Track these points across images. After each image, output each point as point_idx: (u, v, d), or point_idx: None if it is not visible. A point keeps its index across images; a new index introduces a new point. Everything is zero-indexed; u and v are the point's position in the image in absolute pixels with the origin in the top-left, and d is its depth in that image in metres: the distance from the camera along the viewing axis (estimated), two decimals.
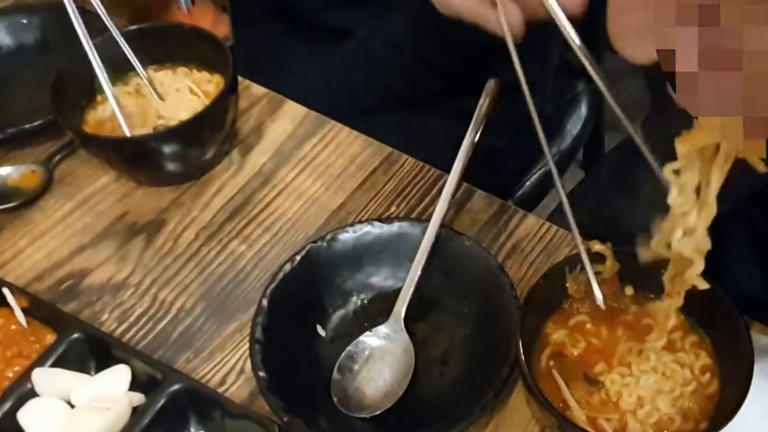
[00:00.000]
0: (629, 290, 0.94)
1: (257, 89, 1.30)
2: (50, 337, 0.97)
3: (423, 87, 1.42)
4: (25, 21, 1.36)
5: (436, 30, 1.20)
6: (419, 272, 1.03)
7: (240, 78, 1.20)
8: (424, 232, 1.05)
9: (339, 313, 1.06)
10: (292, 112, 1.28)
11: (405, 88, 1.43)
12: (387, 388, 0.98)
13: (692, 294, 0.90)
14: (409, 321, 1.02)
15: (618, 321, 0.94)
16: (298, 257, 1.04)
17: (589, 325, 0.94)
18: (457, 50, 1.17)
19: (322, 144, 1.24)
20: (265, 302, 1.00)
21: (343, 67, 1.46)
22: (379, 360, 1.00)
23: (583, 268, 0.92)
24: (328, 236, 1.06)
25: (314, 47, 1.51)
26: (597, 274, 0.92)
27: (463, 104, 1.11)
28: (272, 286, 1.02)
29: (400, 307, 1.02)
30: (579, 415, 0.87)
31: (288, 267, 1.03)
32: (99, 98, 1.19)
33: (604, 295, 0.91)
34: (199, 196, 1.18)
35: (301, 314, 1.03)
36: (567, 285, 0.94)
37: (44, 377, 0.92)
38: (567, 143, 1.63)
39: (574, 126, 1.63)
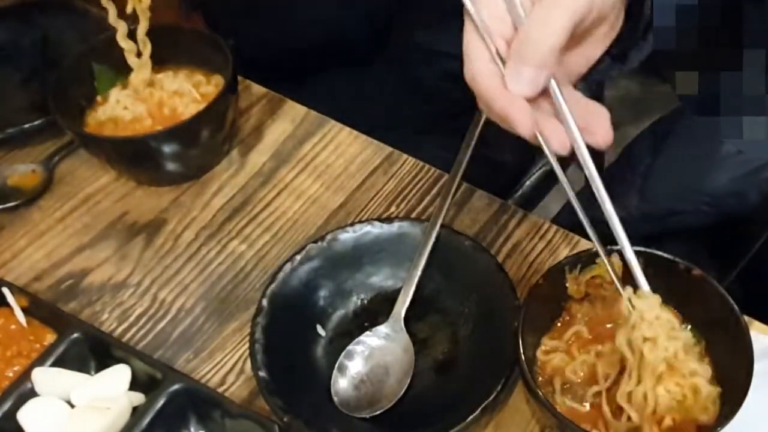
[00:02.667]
0: (628, 291, 0.94)
1: (257, 89, 1.30)
2: (50, 337, 0.97)
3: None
4: (25, 21, 1.36)
5: None
6: (419, 272, 1.03)
7: (240, 78, 1.21)
8: (424, 232, 1.05)
9: (339, 313, 1.06)
10: (292, 112, 1.28)
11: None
12: (387, 388, 0.98)
13: (692, 293, 0.90)
14: (409, 321, 1.02)
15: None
16: (298, 257, 1.04)
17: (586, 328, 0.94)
18: None
19: (322, 144, 1.24)
20: (265, 302, 1.01)
21: (377, 85, 1.46)
22: (380, 360, 1.00)
23: (583, 268, 0.92)
24: (328, 236, 1.06)
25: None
26: (599, 276, 0.93)
27: None
28: (272, 286, 1.02)
29: (400, 307, 1.02)
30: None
31: (288, 267, 1.03)
32: (99, 99, 1.19)
33: (604, 297, 0.92)
34: (199, 196, 1.18)
35: (301, 314, 1.03)
36: (567, 285, 0.93)
37: (44, 377, 0.92)
38: None
39: None
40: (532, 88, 0.76)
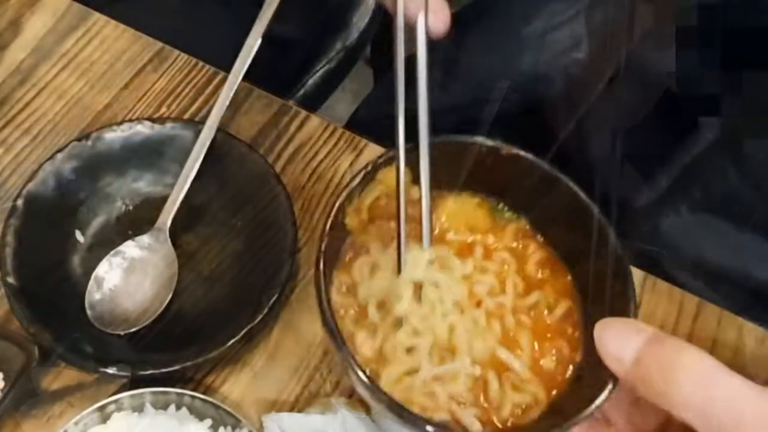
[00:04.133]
0: (417, 192, 0.77)
1: None
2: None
3: None
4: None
5: None
6: (190, 179, 1.00)
7: None
8: (197, 134, 1.01)
9: (100, 219, 1.03)
10: (53, 4, 1.18)
11: None
12: (146, 303, 0.96)
13: (509, 177, 0.81)
14: (177, 232, 1.00)
15: None
16: (60, 156, 1.00)
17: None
18: None
19: (85, 39, 1.17)
20: (20, 203, 0.97)
21: None
22: (140, 272, 0.98)
23: (362, 191, 0.80)
24: (94, 135, 1.02)
25: None
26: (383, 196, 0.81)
27: None
28: (30, 185, 0.99)
29: (166, 217, 0.99)
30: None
31: (48, 167, 1.00)
32: None
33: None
34: None
35: (59, 218, 1.01)
36: (346, 222, 0.80)
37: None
38: (353, 38, 1.52)
39: (361, 19, 1.53)
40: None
